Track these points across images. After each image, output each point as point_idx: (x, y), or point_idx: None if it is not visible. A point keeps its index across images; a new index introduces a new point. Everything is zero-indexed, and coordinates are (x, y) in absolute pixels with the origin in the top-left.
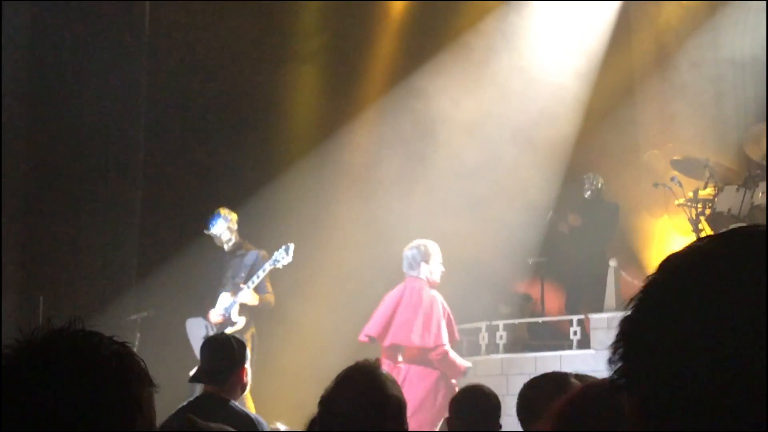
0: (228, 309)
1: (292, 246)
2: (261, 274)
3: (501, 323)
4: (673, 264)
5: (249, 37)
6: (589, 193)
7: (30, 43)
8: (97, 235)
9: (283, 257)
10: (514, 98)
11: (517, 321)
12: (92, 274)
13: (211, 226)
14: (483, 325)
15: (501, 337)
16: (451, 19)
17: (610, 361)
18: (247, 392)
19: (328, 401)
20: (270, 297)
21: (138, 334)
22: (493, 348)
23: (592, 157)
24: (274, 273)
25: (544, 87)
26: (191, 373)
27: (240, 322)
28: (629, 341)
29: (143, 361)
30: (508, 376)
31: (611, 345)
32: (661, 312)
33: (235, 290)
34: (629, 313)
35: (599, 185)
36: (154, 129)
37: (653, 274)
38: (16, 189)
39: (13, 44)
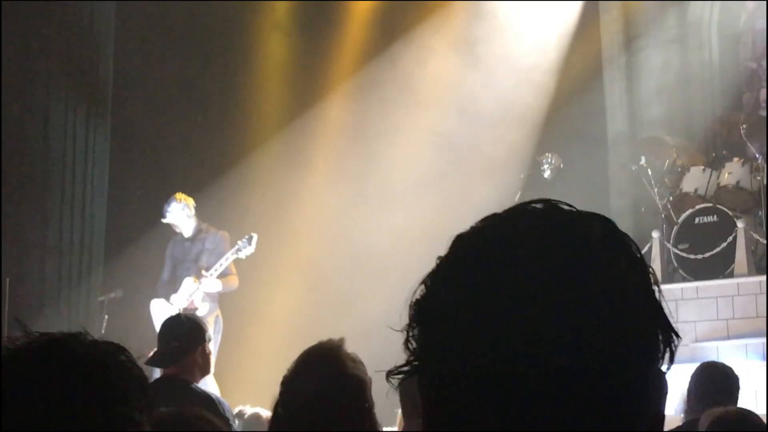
0: (192, 295)
1: (255, 236)
2: (224, 262)
3: None
4: (462, 244)
5: (220, 9)
6: (548, 173)
7: None
8: (65, 216)
9: (245, 247)
10: (485, 77)
11: None
12: (60, 254)
13: (166, 213)
14: None
15: None
16: None
17: (405, 345)
18: (211, 374)
19: (289, 381)
20: (233, 279)
21: (105, 315)
22: None
23: (559, 138)
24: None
25: (513, 68)
26: (149, 355)
27: (203, 308)
28: (422, 322)
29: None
30: None
31: (404, 328)
32: (451, 291)
33: (198, 276)
34: (422, 293)
35: (559, 165)
36: (120, 108)
37: (444, 255)
38: None
39: None
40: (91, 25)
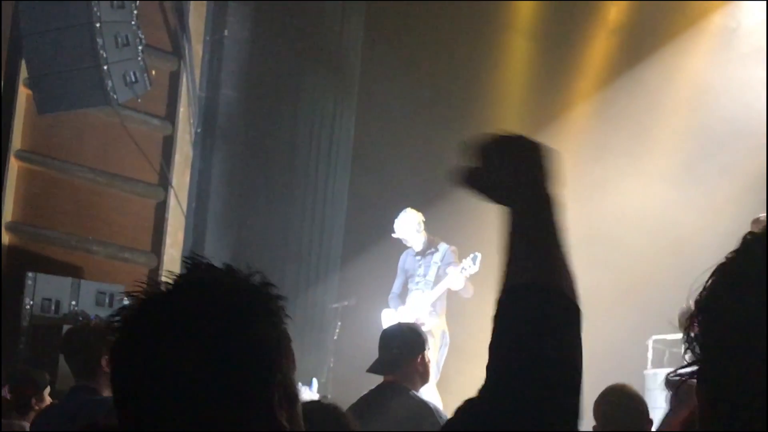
0: (419, 310)
1: (479, 255)
2: (444, 283)
3: None
4: (751, 245)
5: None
6: None
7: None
8: (305, 222)
9: (470, 266)
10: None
11: None
12: (299, 259)
13: (395, 228)
14: None
15: None
16: None
17: (685, 345)
18: (433, 384)
19: None
20: (468, 288)
21: (338, 322)
22: None
23: None
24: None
25: None
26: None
27: (429, 323)
28: (705, 323)
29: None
30: None
31: (684, 326)
32: (738, 295)
33: (425, 290)
34: (704, 294)
35: None
36: (363, 118)
37: (730, 255)
38: (231, 176)
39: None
40: (341, 23)
